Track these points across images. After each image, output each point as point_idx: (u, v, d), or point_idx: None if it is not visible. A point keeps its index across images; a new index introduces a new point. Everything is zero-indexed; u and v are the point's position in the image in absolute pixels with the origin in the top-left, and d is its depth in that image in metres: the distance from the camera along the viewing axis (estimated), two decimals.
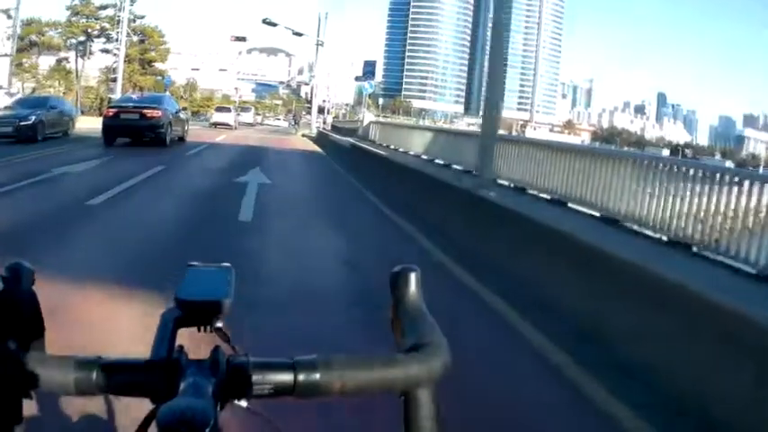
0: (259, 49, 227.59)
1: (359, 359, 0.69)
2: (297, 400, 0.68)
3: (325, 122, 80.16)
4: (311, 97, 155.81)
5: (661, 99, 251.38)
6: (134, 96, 23.51)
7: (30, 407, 0.72)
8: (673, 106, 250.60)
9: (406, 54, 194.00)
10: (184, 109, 33.64)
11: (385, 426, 0.81)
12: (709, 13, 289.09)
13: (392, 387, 0.69)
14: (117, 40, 54.00)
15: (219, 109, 52.45)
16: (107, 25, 55.44)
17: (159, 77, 67.02)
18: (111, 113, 19.13)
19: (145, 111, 18.71)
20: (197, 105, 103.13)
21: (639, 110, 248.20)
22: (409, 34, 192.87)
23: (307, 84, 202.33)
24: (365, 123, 31.68)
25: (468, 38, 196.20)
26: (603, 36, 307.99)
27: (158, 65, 66.41)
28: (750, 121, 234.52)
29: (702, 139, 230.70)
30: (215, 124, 46.70)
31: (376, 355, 0.69)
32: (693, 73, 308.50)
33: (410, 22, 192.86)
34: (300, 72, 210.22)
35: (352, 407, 2.53)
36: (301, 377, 0.67)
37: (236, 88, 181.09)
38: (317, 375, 0.67)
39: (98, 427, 1.49)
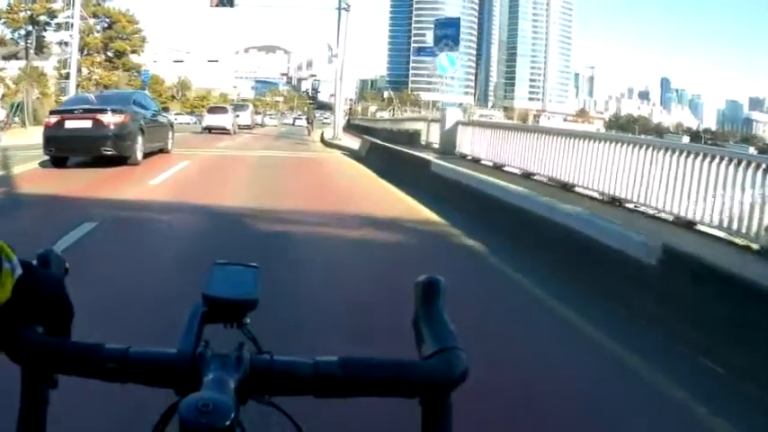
0: (257, 47, 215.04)
1: (379, 362, 0.69)
2: (318, 398, 0.68)
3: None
4: (313, 92, 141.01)
5: (665, 84, 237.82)
6: (92, 96, 15.72)
7: (55, 391, 0.72)
8: (677, 91, 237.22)
9: (411, 44, 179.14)
10: (166, 110, 20.54)
11: (404, 429, 0.78)
12: None
13: (411, 392, 0.68)
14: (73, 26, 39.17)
15: (213, 109, 37.25)
16: (56, 6, 40.27)
17: (136, 73, 52.23)
18: (52, 122, 13.24)
19: (100, 115, 12.86)
20: (190, 106, 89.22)
21: (644, 95, 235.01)
22: (414, 24, 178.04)
23: (314, 76, 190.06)
24: (447, 125, 16.98)
25: (476, 26, 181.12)
26: (602, 22, 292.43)
27: (133, 57, 51.45)
28: (756, 103, 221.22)
29: (709, 124, 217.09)
30: (208, 129, 33.93)
31: (397, 359, 0.69)
32: (696, 56, 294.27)
33: (414, 11, 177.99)
34: (300, 68, 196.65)
35: (374, 407, 1.38)
36: (322, 377, 0.67)
37: (234, 86, 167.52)
38: (338, 376, 0.67)
39: (122, 415, 1.53)
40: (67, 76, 39.16)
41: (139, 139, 13.46)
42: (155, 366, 0.67)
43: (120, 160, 12.90)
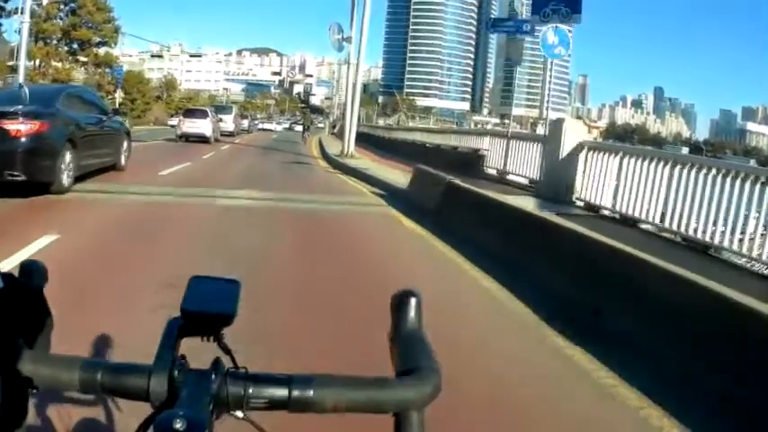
0: (250, 49, 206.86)
1: (353, 379, 0.68)
2: (292, 414, 0.67)
3: (334, 127, 58.14)
4: (305, 95, 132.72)
5: (658, 93, 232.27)
6: (26, 90, 10.09)
7: (33, 405, 0.71)
8: (670, 100, 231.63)
9: (408, 49, 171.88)
10: (117, 112, 13.95)
11: None
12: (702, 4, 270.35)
13: (384, 408, 0.67)
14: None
15: (189, 113, 29.16)
16: None
17: (108, 69, 44.53)
18: None
19: (6, 122, 8.71)
20: (175, 107, 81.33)
21: (637, 104, 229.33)
22: (411, 27, 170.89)
23: (309, 76, 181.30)
24: (563, 151, 9.74)
25: (474, 31, 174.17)
26: (594, 30, 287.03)
27: (104, 51, 43.81)
28: (749, 114, 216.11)
29: (702, 133, 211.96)
30: (184, 136, 26.60)
31: (370, 376, 0.68)
32: (689, 65, 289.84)
33: (411, 16, 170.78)
34: (293, 68, 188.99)
35: (348, 421, 1.10)
36: (296, 393, 0.66)
37: (225, 88, 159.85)
38: (311, 392, 0.66)
39: (98, 428, 1.43)
40: (15, 70, 31.60)
41: (67, 155, 9.26)
42: (131, 380, 0.66)
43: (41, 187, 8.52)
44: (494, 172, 13.36)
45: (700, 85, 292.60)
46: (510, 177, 12.44)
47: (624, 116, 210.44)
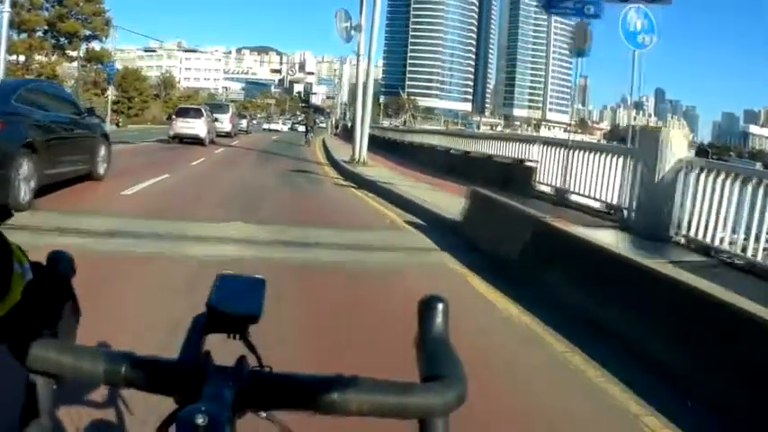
0: (250, 47, 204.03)
1: (378, 383, 0.67)
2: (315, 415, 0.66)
3: (337, 127, 55.57)
4: (305, 95, 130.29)
5: (659, 95, 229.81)
6: None
7: (55, 396, 0.71)
8: (671, 102, 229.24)
9: (409, 48, 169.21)
10: (91, 112, 11.70)
11: None
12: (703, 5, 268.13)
13: (408, 413, 0.66)
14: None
15: (182, 112, 26.22)
16: None
17: (99, 65, 41.90)
18: None
19: None
20: (173, 106, 78.61)
21: (638, 106, 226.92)
22: (411, 26, 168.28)
23: (311, 74, 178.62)
24: (663, 171, 7.18)
25: (475, 31, 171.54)
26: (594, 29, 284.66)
27: (96, 45, 41.25)
28: (751, 117, 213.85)
29: (704, 136, 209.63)
30: (177, 137, 24.50)
31: (395, 381, 0.67)
32: (690, 68, 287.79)
33: (412, 15, 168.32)
34: (292, 68, 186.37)
35: (371, 425, 0.97)
36: (320, 394, 0.66)
37: (225, 87, 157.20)
38: (336, 394, 0.65)
39: (119, 421, 1.38)
40: None
41: (25, 163, 7.88)
42: (155, 374, 0.67)
43: None
44: (548, 190, 10.76)
45: (701, 87, 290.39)
46: (573, 198, 9.85)
47: (625, 118, 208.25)
